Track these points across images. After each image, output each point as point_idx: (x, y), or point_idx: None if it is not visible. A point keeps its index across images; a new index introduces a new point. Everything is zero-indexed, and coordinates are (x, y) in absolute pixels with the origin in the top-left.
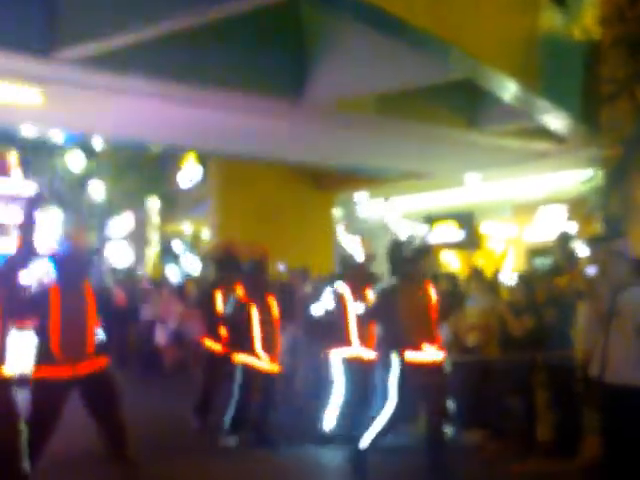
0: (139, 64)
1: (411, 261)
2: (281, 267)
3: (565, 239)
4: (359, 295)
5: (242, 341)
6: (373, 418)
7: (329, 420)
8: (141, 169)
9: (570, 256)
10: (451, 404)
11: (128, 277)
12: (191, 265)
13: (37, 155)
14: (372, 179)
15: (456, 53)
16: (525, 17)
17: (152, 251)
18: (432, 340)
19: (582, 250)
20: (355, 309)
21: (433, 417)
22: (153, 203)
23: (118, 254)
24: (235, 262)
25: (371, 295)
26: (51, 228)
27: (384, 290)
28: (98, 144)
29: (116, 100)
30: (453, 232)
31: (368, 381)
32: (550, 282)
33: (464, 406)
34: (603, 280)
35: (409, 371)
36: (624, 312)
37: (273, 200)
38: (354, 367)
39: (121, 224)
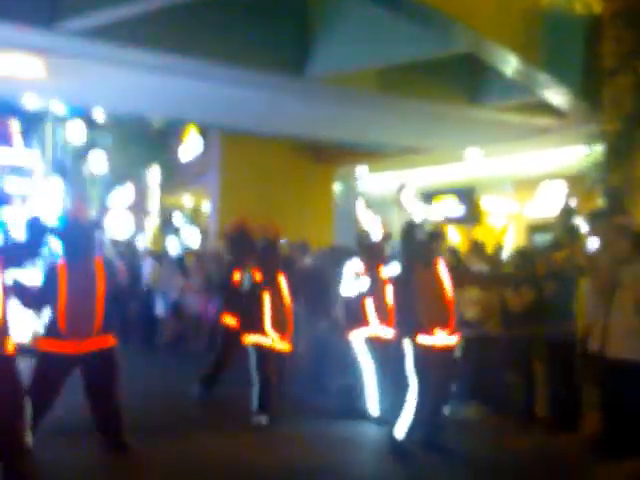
0: (141, 36)
1: (426, 244)
2: (281, 240)
3: (567, 213)
4: (373, 273)
5: (253, 320)
6: (402, 407)
7: (370, 401)
8: (142, 141)
9: (571, 230)
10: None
11: (128, 249)
12: (191, 238)
13: (39, 126)
14: (372, 154)
15: (457, 27)
16: None
17: (152, 223)
18: (446, 324)
19: (583, 225)
20: (369, 286)
21: (435, 400)
22: (154, 175)
23: (118, 225)
24: (249, 241)
25: (384, 273)
26: (53, 199)
27: (398, 273)
28: (99, 116)
29: (117, 72)
30: (453, 207)
31: (389, 360)
32: (550, 256)
33: (464, 381)
34: (604, 255)
35: (423, 354)
36: (625, 286)
37: (273, 173)
38: (375, 346)
39: (122, 196)
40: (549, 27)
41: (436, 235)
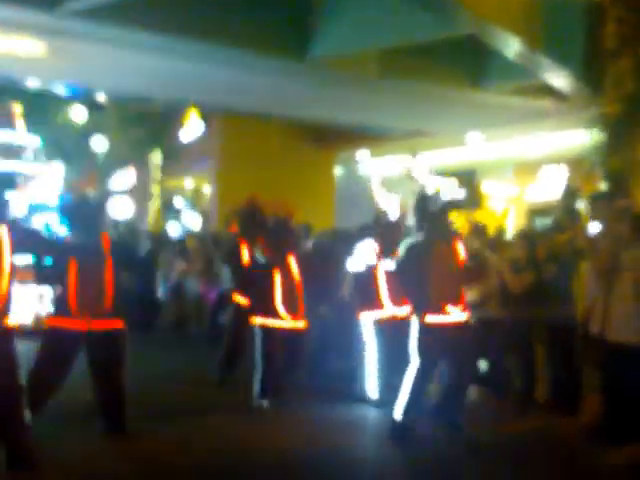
0: (142, 18)
1: (439, 216)
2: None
3: (570, 195)
4: (389, 254)
5: (263, 300)
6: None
7: (368, 384)
8: (144, 123)
9: (572, 213)
10: (481, 365)
11: (129, 231)
12: (192, 220)
13: (41, 108)
14: (374, 137)
15: (459, 10)
16: None
17: (153, 206)
18: (457, 301)
19: (583, 208)
20: (385, 267)
21: (459, 379)
22: (155, 157)
23: (120, 208)
24: (260, 218)
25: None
26: (55, 181)
27: (411, 246)
28: (101, 97)
29: (119, 53)
30: (454, 191)
31: (403, 341)
32: (551, 239)
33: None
34: (605, 238)
35: (430, 334)
36: (626, 269)
37: (274, 157)
38: (386, 329)
39: (123, 178)
40: (551, 10)
41: (448, 206)
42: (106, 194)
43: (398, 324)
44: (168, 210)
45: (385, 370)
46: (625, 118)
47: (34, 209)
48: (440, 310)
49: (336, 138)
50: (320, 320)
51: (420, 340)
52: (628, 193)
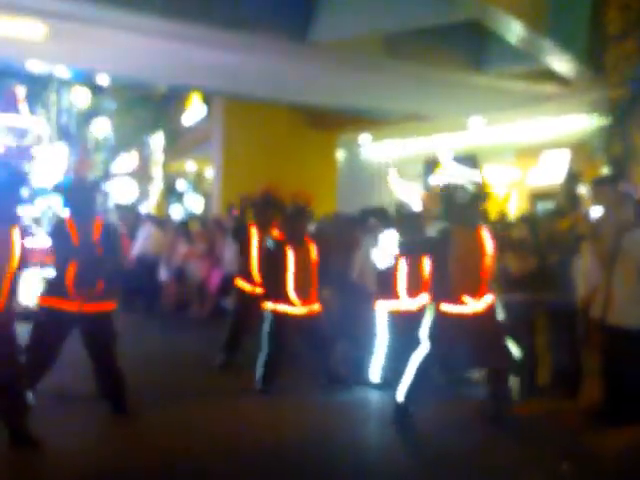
0: (145, 2)
1: (467, 206)
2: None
3: (572, 179)
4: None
5: (275, 285)
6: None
7: (374, 370)
8: (146, 106)
9: (574, 198)
10: (514, 350)
11: (131, 214)
12: (194, 204)
13: (43, 90)
14: (375, 121)
15: None
16: None
17: (156, 189)
18: (477, 292)
19: (585, 193)
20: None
21: (492, 367)
22: (157, 140)
23: (122, 191)
24: (276, 205)
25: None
26: (57, 163)
27: (436, 235)
28: (104, 81)
29: (121, 37)
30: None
31: (414, 334)
32: (552, 224)
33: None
34: (607, 222)
35: (444, 321)
36: (628, 254)
37: (276, 140)
38: (399, 321)
39: (126, 161)
40: None
41: (480, 197)
42: (106, 177)
43: (411, 317)
44: (170, 193)
45: (391, 359)
46: (628, 102)
47: (37, 192)
48: (457, 300)
49: (338, 121)
50: (323, 304)
51: (433, 326)
52: (630, 177)
